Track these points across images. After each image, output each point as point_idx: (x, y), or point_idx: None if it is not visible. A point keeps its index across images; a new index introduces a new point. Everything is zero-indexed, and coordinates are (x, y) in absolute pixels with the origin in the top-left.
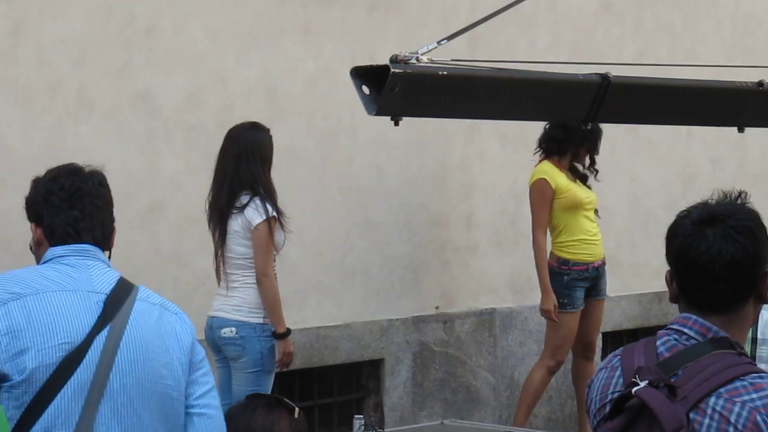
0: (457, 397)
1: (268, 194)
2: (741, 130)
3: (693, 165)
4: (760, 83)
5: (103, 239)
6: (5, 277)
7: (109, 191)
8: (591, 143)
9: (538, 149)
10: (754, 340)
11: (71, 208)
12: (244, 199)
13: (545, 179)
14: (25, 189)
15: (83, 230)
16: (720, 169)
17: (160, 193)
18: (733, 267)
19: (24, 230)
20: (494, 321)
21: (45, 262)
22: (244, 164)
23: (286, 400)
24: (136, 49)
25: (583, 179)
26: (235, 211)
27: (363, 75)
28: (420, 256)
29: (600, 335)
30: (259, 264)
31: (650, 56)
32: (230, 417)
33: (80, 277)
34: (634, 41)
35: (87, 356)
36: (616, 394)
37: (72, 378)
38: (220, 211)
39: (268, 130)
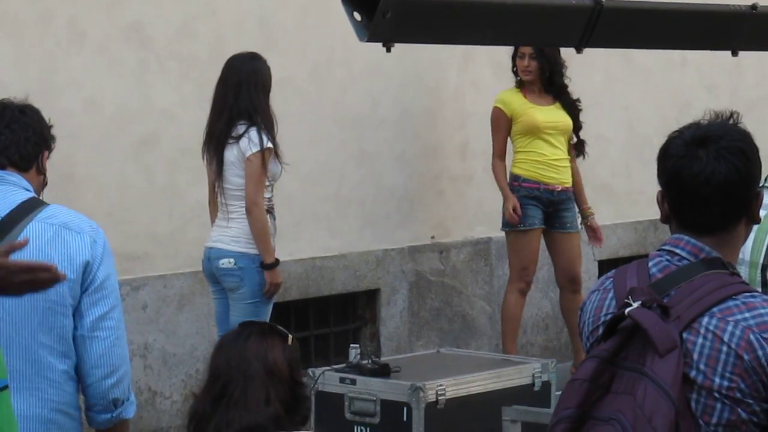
0: (453, 327)
1: (267, 124)
2: (735, 53)
3: (688, 92)
4: (754, 6)
5: (21, 161)
6: None
7: (33, 119)
8: (547, 64)
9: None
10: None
11: None
12: (241, 128)
13: (498, 107)
14: None
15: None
16: (715, 96)
17: (153, 125)
18: (726, 188)
19: None
20: (490, 250)
21: None
22: (245, 93)
23: (280, 327)
24: None
25: (567, 104)
26: (231, 141)
27: (354, 1)
28: (415, 186)
29: (596, 263)
30: (250, 193)
31: None
32: (222, 345)
33: None
34: None
35: None
36: (609, 316)
37: None
38: (217, 141)
39: (265, 61)
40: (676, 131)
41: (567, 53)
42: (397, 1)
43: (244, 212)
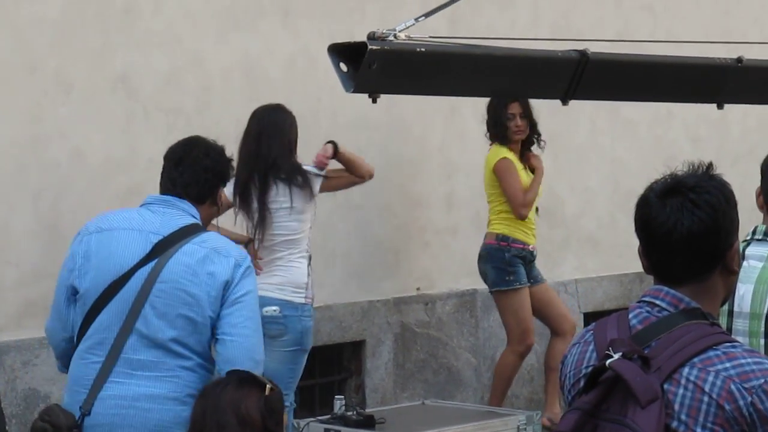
0: (438, 378)
1: (298, 169)
2: (720, 107)
3: (674, 145)
4: (739, 59)
5: (196, 194)
6: (107, 213)
7: (216, 160)
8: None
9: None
10: (731, 313)
11: (174, 169)
12: (283, 174)
13: (507, 157)
14: (4, 171)
15: (176, 186)
16: (700, 149)
17: (139, 175)
18: (689, 240)
19: (2, 213)
20: (475, 302)
21: (141, 206)
22: (266, 142)
23: (260, 377)
24: (114, 30)
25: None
26: (277, 187)
27: (341, 52)
28: (401, 238)
29: (582, 316)
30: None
31: (631, 37)
32: (204, 393)
33: (152, 220)
34: (614, 22)
35: (130, 282)
36: (590, 368)
37: (117, 295)
38: (259, 192)
39: (290, 112)
40: (653, 182)
41: (553, 105)
42: (383, 53)
43: (291, 259)
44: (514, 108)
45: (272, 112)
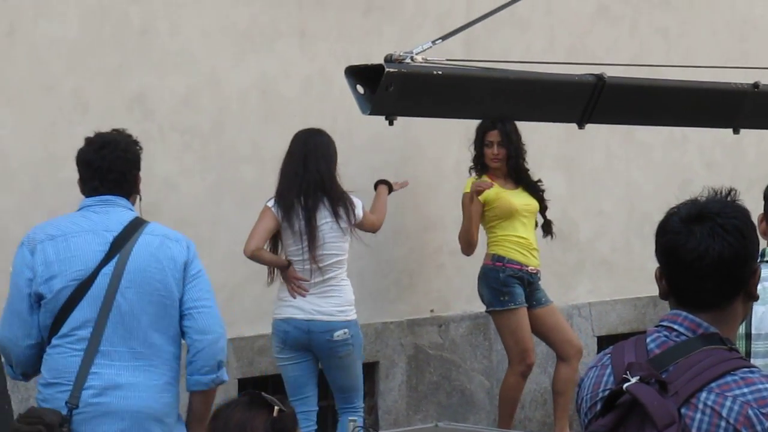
0: (451, 401)
1: (340, 192)
2: (736, 131)
3: (689, 170)
4: (756, 84)
5: (126, 190)
6: (47, 223)
7: (128, 152)
8: (513, 151)
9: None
10: (749, 336)
11: (96, 174)
12: (335, 197)
13: (466, 192)
14: (19, 191)
15: (105, 187)
16: (716, 174)
17: (155, 195)
18: (720, 265)
19: (18, 232)
20: (489, 324)
21: (78, 210)
22: (312, 165)
23: (270, 398)
24: (130, 50)
25: (529, 187)
26: (325, 209)
27: (357, 74)
28: (415, 260)
29: (595, 339)
30: (377, 221)
31: (646, 61)
32: (215, 414)
33: (99, 220)
34: (629, 45)
35: (98, 279)
36: (607, 392)
37: (86, 295)
38: (307, 213)
39: (328, 135)
40: (674, 207)
41: (569, 129)
42: (399, 75)
43: (343, 277)
44: (492, 136)
45: (317, 135)
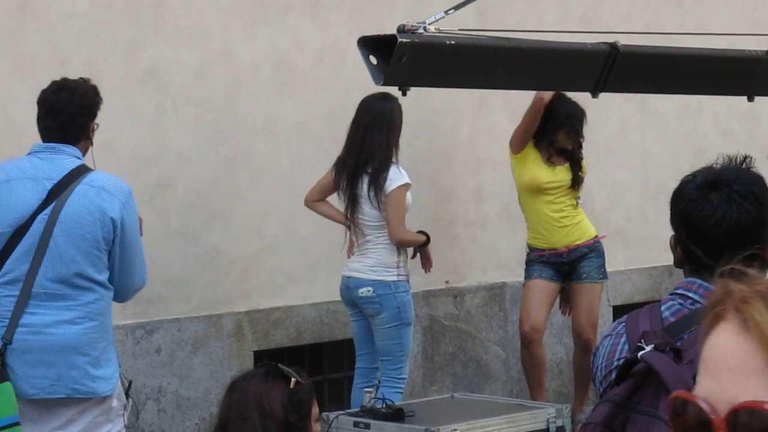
0: (467, 371)
1: (385, 160)
2: (751, 99)
3: (703, 138)
4: None
5: (71, 136)
6: (0, 166)
7: (81, 99)
8: (570, 126)
9: None
10: None
11: (47, 117)
12: (375, 165)
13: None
14: None
15: (53, 131)
16: (730, 141)
17: (169, 168)
18: (737, 231)
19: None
20: (504, 295)
21: (27, 154)
22: (374, 132)
23: (287, 369)
24: (143, 24)
25: (573, 164)
26: (365, 176)
27: (370, 45)
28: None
29: (611, 309)
30: (394, 229)
31: (660, 29)
32: (232, 385)
33: (42, 167)
34: (643, 15)
35: (33, 226)
36: (621, 360)
37: (23, 239)
38: (350, 176)
39: (396, 100)
40: (689, 175)
41: (583, 98)
42: (412, 45)
43: (378, 241)
44: (564, 141)
45: (380, 101)
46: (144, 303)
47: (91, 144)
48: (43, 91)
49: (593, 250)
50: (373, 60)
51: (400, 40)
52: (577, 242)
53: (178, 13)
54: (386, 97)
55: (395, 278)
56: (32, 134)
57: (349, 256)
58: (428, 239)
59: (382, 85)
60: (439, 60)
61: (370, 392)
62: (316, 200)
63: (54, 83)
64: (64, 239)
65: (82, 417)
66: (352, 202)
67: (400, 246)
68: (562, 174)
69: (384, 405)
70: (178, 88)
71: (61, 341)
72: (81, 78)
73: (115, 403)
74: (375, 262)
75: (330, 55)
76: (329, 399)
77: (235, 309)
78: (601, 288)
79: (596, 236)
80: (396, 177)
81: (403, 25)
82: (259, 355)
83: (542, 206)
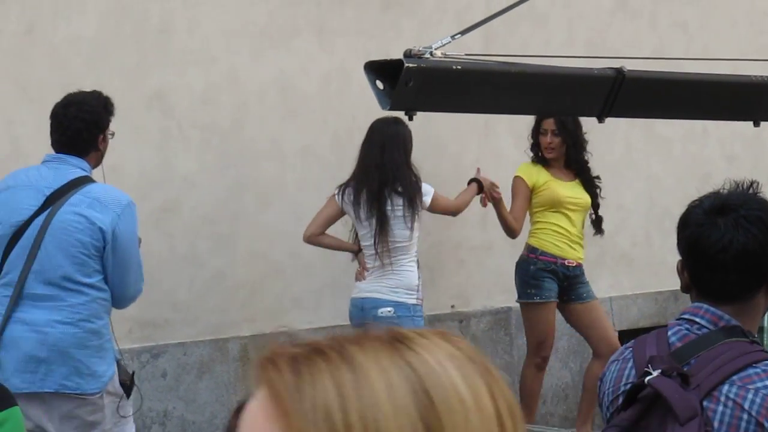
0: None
1: (413, 180)
2: (756, 124)
3: (709, 163)
4: None
5: (79, 149)
6: (10, 174)
7: (90, 114)
8: (570, 140)
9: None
10: (761, 329)
11: (57, 130)
12: (406, 184)
13: (520, 177)
14: None
15: (62, 144)
16: (735, 167)
17: (175, 192)
18: (744, 257)
19: None
20: (510, 320)
21: (41, 163)
22: (389, 153)
23: None
24: (149, 48)
25: (586, 181)
26: (397, 197)
27: (377, 70)
28: (435, 255)
29: (616, 334)
30: (452, 205)
31: (665, 55)
32: (238, 410)
33: (47, 175)
34: (649, 40)
35: (28, 230)
36: (629, 386)
37: (19, 242)
38: (373, 198)
39: (406, 124)
40: (696, 200)
41: (588, 123)
42: (419, 70)
43: (403, 263)
44: (547, 124)
45: (393, 124)
46: (150, 327)
47: (102, 154)
48: (55, 105)
49: (583, 273)
50: (380, 85)
51: (406, 64)
52: (580, 260)
53: (184, 37)
54: (397, 120)
55: (415, 301)
56: (38, 158)
57: (359, 279)
58: (480, 185)
59: (389, 109)
60: (446, 85)
61: None
62: (320, 234)
63: (65, 97)
64: (53, 244)
65: (73, 413)
66: (381, 224)
67: (457, 209)
68: (578, 191)
69: None
70: (185, 112)
71: (51, 340)
72: (94, 90)
73: (106, 400)
74: (397, 284)
75: (336, 79)
76: None
77: (241, 333)
78: (600, 306)
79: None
80: (427, 189)
81: (410, 50)
82: None
83: (561, 218)
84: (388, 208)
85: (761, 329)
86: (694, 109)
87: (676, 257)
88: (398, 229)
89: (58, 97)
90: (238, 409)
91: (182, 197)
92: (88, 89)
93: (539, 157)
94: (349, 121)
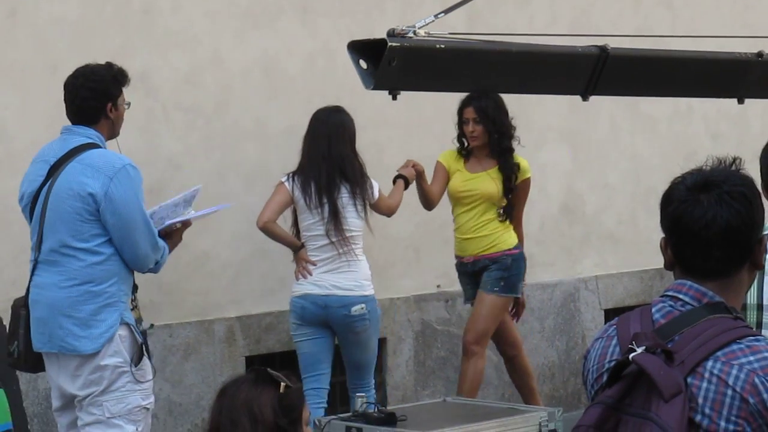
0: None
1: (360, 170)
2: (741, 101)
3: (694, 141)
4: (760, 54)
5: (87, 118)
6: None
7: (96, 83)
8: (491, 127)
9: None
10: (761, 307)
11: (67, 101)
12: (355, 175)
13: (439, 161)
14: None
15: (71, 114)
16: (720, 144)
17: (159, 174)
18: (728, 232)
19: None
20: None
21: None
22: (338, 144)
23: (275, 374)
24: (132, 29)
25: (505, 169)
26: (344, 187)
27: (360, 49)
28: (421, 235)
29: (602, 312)
30: (392, 207)
31: (649, 32)
32: (222, 391)
33: (55, 147)
34: (633, 18)
35: (38, 201)
36: (612, 363)
37: (33, 213)
38: (324, 189)
39: (347, 112)
40: (678, 177)
41: (572, 101)
42: (402, 49)
43: (359, 254)
44: (468, 113)
45: (336, 113)
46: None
47: (114, 121)
48: (67, 77)
49: (492, 263)
50: (363, 64)
51: (390, 44)
52: (481, 253)
53: (167, 18)
54: (339, 109)
55: (373, 291)
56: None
57: (304, 276)
58: (406, 180)
59: (372, 89)
60: (429, 64)
61: (362, 397)
62: (274, 221)
63: (76, 69)
64: (52, 213)
65: (77, 372)
66: (334, 215)
67: (396, 209)
68: (482, 182)
69: (376, 409)
70: (168, 93)
71: (49, 301)
72: (108, 62)
73: (106, 361)
74: (360, 277)
75: (320, 59)
76: (341, 402)
77: (227, 314)
78: (496, 302)
79: (506, 250)
80: (373, 183)
81: (393, 29)
82: (250, 361)
83: (460, 214)
84: (341, 196)
85: (745, 306)
86: (678, 86)
87: (661, 236)
88: (351, 218)
89: (42, 80)
90: (222, 390)
91: (167, 179)
92: (71, 71)
93: (464, 148)
94: (333, 101)
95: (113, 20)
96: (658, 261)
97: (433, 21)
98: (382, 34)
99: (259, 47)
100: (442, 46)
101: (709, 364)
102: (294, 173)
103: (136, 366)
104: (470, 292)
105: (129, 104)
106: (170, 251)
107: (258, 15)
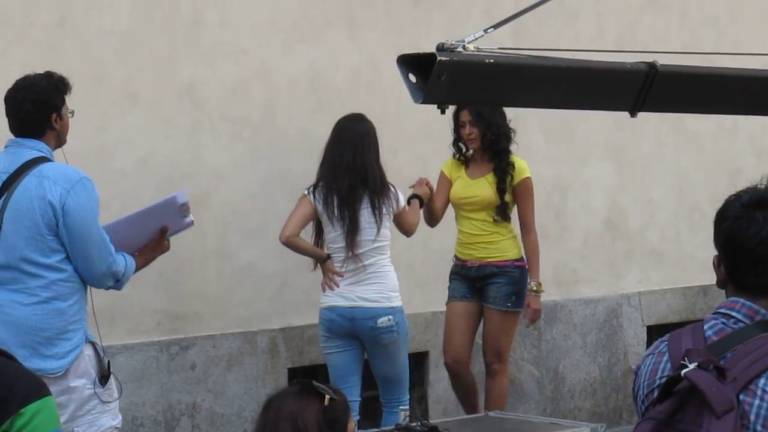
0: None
1: (382, 179)
2: None
3: (739, 158)
4: None
5: (33, 131)
6: None
7: (40, 93)
8: (486, 130)
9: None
10: None
11: (9, 115)
12: (378, 185)
13: (442, 170)
14: None
15: (15, 128)
16: (765, 162)
17: (205, 185)
18: None
19: None
20: None
21: (4, 147)
22: (362, 153)
23: (321, 386)
24: (180, 41)
25: (498, 171)
26: (366, 198)
27: (409, 63)
28: None
29: (645, 329)
30: (412, 225)
31: (696, 49)
32: (267, 404)
33: (4, 160)
34: (679, 34)
35: None
36: (664, 379)
37: None
38: (345, 200)
39: (370, 121)
40: (733, 194)
41: (618, 117)
42: (451, 64)
43: (387, 264)
44: (464, 116)
45: (361, 122)
46: (179, 319)
47: (59, 134)
48: (7, 90)
49: (497, 273)
50: (412, 78)
51: (439, 58)
52: (487, 259)
53: (215, 30)
54: (364, 118)
55: (401, 303)
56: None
57: (331, 288)
58: (421, 199)
59: (422, 102)
60: (478, 78)
61: (405, 410)
62: (298, 235)
63: (15, 82)
64: (10, 228)
65: None
66: (353, 227)
67: (416, 228)
68: (479, 188)
69: (419, 423)
70: (215, 104)
71: (11, 320)
72: (47, 71)
73: (74, 382)
74: (386, 288)
75: (366, 73)
76: (364, 417)
77: (270, 326)
78: (509, 317)
79: (514, 260)
80: (399, 195)
81: (443, 44)
82: (293, 372)
83: (462, 220)
84: (363, 207)
85: None
86: (726, 103)
87: (705, 252)
88: (372, 228)
89: (89, 91)
90: (267, 403)
91: (212, 190)
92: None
93: (462, 154)
94: (379, 115)
95: (161, 31)
96: (701, 278)
97: (482, 36)
98: (427, 48)
99: (306, 59)
100: (491, 60)
101: (762, 381)
102: (315, 186)
103: (102, 387)
104: (462, 292)
105: (73, 112)
106: (149, 262)
107: (305, 28)
